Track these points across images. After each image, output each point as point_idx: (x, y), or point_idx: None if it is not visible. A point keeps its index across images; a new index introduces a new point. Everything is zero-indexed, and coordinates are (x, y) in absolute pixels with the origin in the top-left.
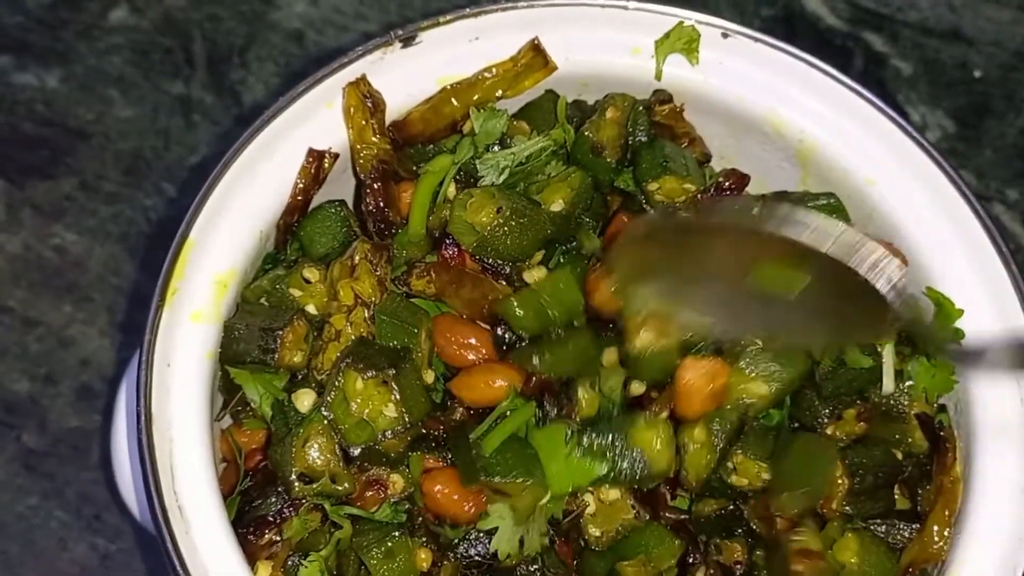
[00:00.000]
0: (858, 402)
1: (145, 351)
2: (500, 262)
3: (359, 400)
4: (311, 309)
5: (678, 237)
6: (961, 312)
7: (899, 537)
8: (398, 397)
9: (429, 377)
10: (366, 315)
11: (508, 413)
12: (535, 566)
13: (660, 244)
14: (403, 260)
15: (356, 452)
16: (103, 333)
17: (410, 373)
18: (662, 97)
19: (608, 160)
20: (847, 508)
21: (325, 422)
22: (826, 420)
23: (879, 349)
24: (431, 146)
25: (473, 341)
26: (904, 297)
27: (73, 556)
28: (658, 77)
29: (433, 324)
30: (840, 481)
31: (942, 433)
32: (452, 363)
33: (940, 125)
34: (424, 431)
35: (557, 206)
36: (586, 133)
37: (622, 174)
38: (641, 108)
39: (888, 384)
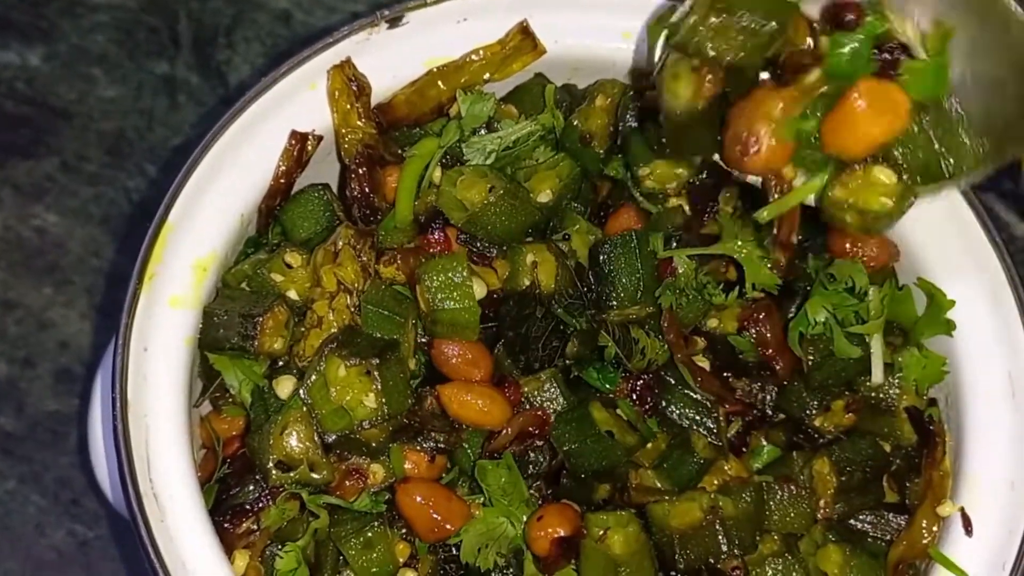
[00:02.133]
0: (847, 393)
1: (122, 336)
2: (487, 244)
3: (339, 387)
4: (292, 295)
5: None
6: (953, 303)
7: (888, 528)
8: (379, 387)
9: (413, 364)
10: (349, 302)
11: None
12: (510, 570)
13: None
14: (388, 246)
15: (331, 439)
16: (83, 316)
17: (395, 365)
18: (653, 82)
19: (597, 150)
20: (838, 507)
21: (304, 409)
22: (814, 411)
23: (867, 340)
24: (417, 129)
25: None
26: None
27: (51, 542)
28: (649, 62)
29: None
30: (829, 478)
31: (932, 427)
32: (449, 375)
33: None
34: (406, 422)
35: (545, 197)
36: (574, 122)
37: (612, 161)
38: (631, 93)
39: (877, 375)
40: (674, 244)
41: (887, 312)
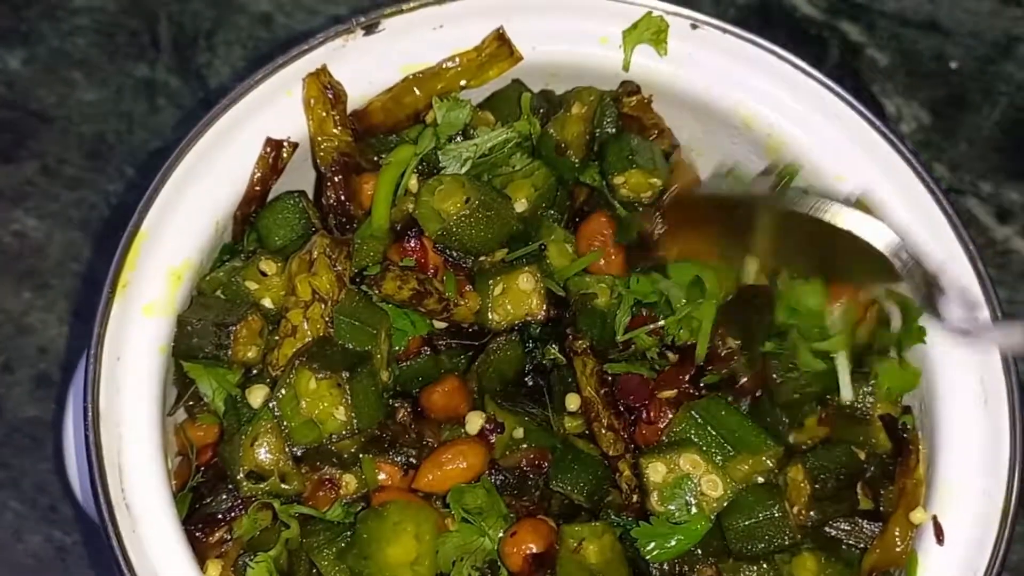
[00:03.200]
0: (818, 408)
1: (94, 345)
2: (462, 254)
3: (309, 400)
4: (267, 303)
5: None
6: (923, 310)
7: (862, 536)
8: (349, 401)
9: (386, 376)
10: (323, 311)
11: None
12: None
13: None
14: (366, 255)
15: (299, 452)
16: (62, 320)
17: (366, 378)
18: (630, 88)
19: (572, 159)
20: (812, 515)
21: (274, 420)
22: (785, 428)
23: (832, 355)
24: (393, 136)
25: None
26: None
27: (28, 548)
28: (626, 68)
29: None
30: (802, 486)
31: (906, 435)
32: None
33: (915, 117)
34: (378, 433)
35: (520, 206)
36: (550, 131)
37: (588, 169)
38: (609, 100)
39: (846, 393)
40: None
41: (868, 338)
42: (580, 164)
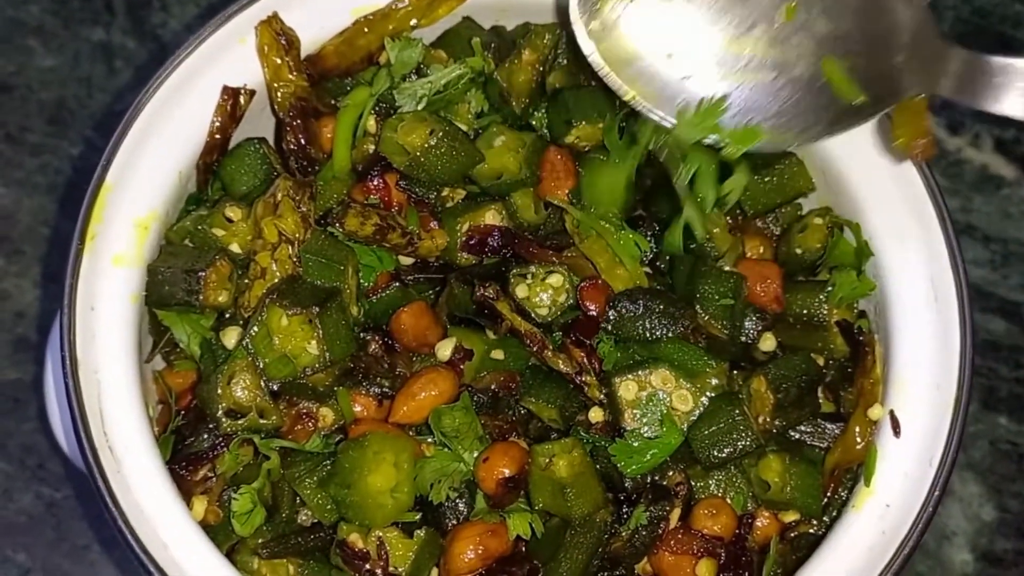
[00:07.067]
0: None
1: (67, 296)
2: (426, 189)
3: (282, 336)
4: (235, 248)
5: None
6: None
7: (824, 436)
8: (321, 335)
9: (355, 310)
10: (291, 252)
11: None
12: (463, 500)
13: None
14: (329, 196)
15: (276, 387)
16: (36, 284)
17: (335, 312)
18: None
19: (515, 109)
20: (777, 422)
21: (248, 358)
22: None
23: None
24: (348, 79)
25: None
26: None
27: (19, 506)
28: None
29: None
30: (766, 396)
31: (861, 339)
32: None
33: None
34: (351, 366)
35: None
36: (497, 77)
37: (538, 112)
38: (563, 40)
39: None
40: None
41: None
42: (522, 111)
